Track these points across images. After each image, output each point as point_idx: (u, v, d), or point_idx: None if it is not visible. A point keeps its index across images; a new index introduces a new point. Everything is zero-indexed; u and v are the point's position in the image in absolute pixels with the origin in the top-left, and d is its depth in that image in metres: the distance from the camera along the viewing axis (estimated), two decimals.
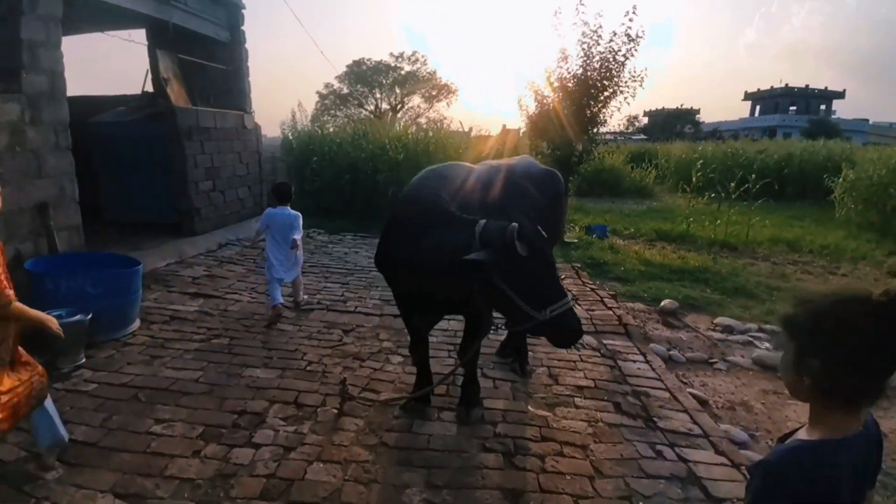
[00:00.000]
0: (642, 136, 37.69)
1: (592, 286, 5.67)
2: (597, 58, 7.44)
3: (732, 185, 9.45)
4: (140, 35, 7.36)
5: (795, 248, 8.30)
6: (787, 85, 45.16)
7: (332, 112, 33.06)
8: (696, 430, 2.83)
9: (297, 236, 4.29)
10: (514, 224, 2.16)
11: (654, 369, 3.56)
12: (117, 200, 6.75)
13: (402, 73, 32.93)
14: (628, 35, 7.37)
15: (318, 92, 33.96)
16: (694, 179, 11.41)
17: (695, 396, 3.29)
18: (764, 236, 8.89)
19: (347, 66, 33.07)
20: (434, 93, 32.03)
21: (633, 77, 7.66)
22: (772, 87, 45.74)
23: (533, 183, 3.03)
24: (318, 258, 6.40)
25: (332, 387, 3.09)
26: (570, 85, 7.56)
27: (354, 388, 3.05)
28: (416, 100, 33.51)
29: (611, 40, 7.40)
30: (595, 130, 7.91)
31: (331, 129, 13.46)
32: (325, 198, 10.50)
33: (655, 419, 2.93)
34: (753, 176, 10.31)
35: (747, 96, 48.48)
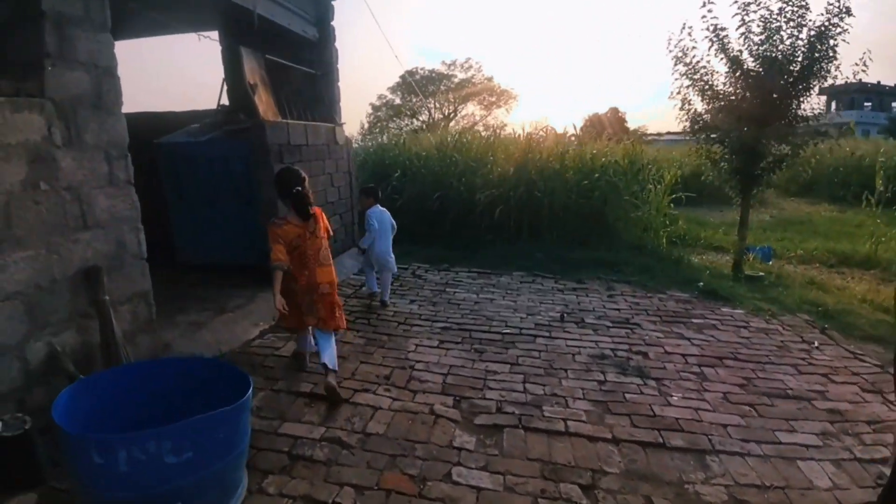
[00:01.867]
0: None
1: (877, 364, 3.70)
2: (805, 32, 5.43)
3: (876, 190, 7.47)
4: (212, 42, 5.93)
5: None
6: (860, 80, 40.77)
7: (385, 124, 31.92)
8: None
9: None
10: None
11: None
12: (191, 238, 5.28)
13: (456, 80, 31.40)
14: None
15: (371, 104, 32.92)
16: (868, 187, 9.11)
17: None
18: None
19: (400, 77, 31.88)
20: (493, 98, 30.26)
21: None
22: (846, 81, 41.39)
23: None
24: (445, 310, 4.68)
25: None
26: (760, 70, 5.54)
27: None
28: (470, 107, 31.90)
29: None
30: (801, 123, 5.81)
31: (402, 141, 11.92)
32: (407, 220, 8.89)
33: None
34: (879, 180, 8.30)
35: (822, 91, 44.09)
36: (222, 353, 3.64)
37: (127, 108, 2.90)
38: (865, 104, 41.90)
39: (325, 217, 3.40)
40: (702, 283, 5.60)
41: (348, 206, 6.36)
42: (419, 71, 31.05)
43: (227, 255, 5.21)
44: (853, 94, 41.86)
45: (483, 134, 10.57)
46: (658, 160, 9.49)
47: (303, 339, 3.51)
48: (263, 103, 4.69)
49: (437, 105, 31.52)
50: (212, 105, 5.83)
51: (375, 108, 32.72)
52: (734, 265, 6.24)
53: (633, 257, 6.76)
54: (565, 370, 3.48)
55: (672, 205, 8.13)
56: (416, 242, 8.03)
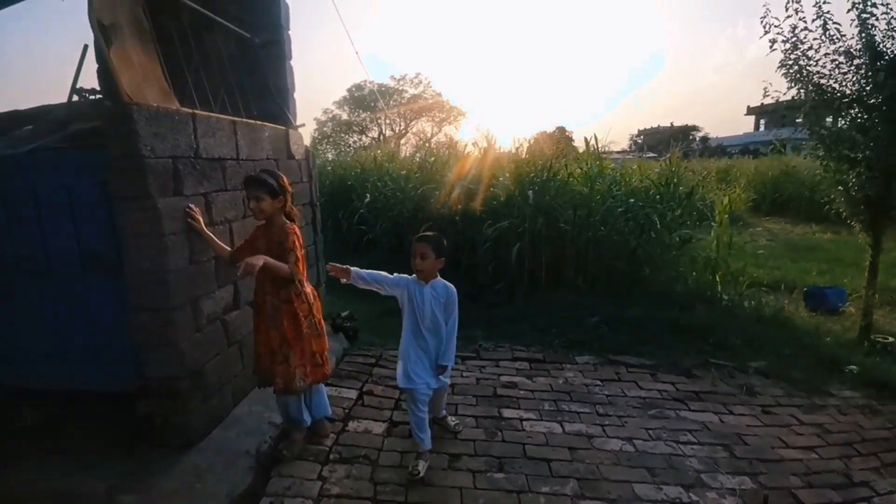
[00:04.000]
0: (651, 154, 34.43)
1: None
2: None
3: None
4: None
5: None
6: (794, 98, 42.62)
7: (332, 139, 29.07)
8: None
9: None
10: None
11: None
12: (8, 339, 2.62)
13: (407, 96, 29.24)
14: None
15: (315, 118, 30.01)
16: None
17: None
18: None
19: (347, 91, 29.27)
20: (443, 115, 28.30)
21: None
22: (777, 100, 43.17)
23: None
24: (526, 478, 2.35)
25: None
26: None
27: None
28: (420, 124, 29.73)
29: None
30: None
31: (371, 158, 9.53)
32: (381, 259, 6.48)
33: None
34: None
35: (750, 111, 46.04)
36: None
37: None
38: (798, 120, 43.52)
39: None
40: (854, 368, 3.67)
41: (314, 259, 3.88)
42: (367, 84, 28.61)
43: (70, 375, 2.60)
44: (783, 111, 43.61)
45: (468, 149, 8.38)
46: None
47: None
48: (138, 71, 2.19)
49: (388, 121, 29.17)
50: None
51: (321, 123, 29.85)
52: (863, 329, 4.38)
53: (712, 316, 4.76)
54: None
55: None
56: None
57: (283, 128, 3.45)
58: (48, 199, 2.43)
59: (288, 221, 2.39)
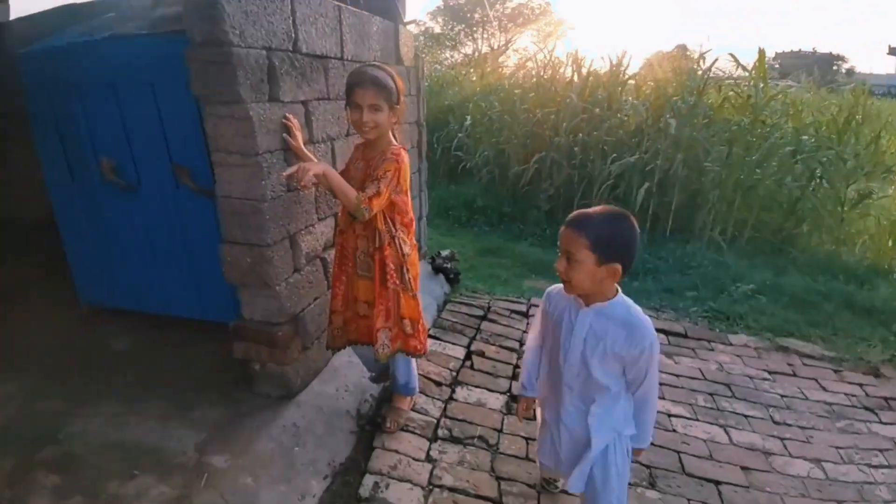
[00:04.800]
0: (789, 83, 28.94)
1: None
2: None
3: None
4: None
5: None
6: None
7: (426, 54, 27.58)
8: None
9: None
10: None
11: None
12: (97, 259, 2.43)
13: (511, 5, 26.47)
14: None
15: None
16: None
17: None
18: None
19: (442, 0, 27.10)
20: (549, 29, 25.42)
21: None
22: None
23: None
24: None
25: None
26: None
27: None
28: (523, 39, 27.01)
29: None
30: None
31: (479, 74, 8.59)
32: (479, 195, 5.77)
33: None
34: None
35: (892, 51, 37.20)
36: None
37: None
38: None
39: None
40: None
41: (415, 192, 3.35)
42: None
43: (167, 301, 2.37)
44: None
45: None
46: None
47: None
48: None
49: (486, 35, 26.86)
50: None
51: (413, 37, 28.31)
52: None
53: None
54: None
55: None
56: (494, 232, 5.09)
57: (392, 23, 2.77)
58: (132, 98, 2.03)
59: (394, 142, 1.78)
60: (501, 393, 2.27)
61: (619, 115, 5.22)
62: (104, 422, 1.86)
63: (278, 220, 1.84)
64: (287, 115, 1.81)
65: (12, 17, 3.24)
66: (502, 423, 2.10)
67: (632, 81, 5.61)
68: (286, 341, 1.95)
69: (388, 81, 1.64)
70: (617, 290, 1.32)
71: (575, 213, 1.29)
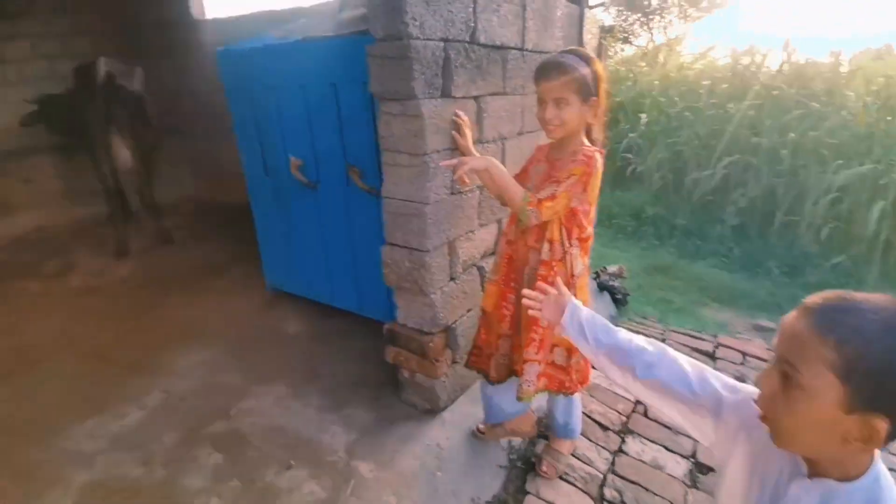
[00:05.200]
0: None
1: None
2: None
3: None
4: None
5: None
6: None
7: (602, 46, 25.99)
8: None
9: None
10: None
11: None
12: (281, 249, 2.65)
13: None
14: None
15: None
16: None
17: None
18: None
19: None
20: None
21: None
22: None
23: None
24: None
25: None
26: None
27: None
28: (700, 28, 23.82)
29: None
30: None
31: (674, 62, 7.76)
32: (655, 206, 4.98)
33: None
34: None
35: None
36: None
37: None
38: None
39: None
40: None
41: None
42: None
43: (334, 293, 2.47)
44: None
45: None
46: None
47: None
48: None
49: (663, 24, 24.34)
50: None
51: None
52: None
53: None
54: None
55: None
56: (664, 246, 4.38)
57: (577, 6, 2.46)
58: (317, 99, 2.12)
59: (588, 144, 1.48)
60: (683, 456, 1.83)
61: (842, 112, 4.08)
62: (273, 402, 1.97)
63: (439, 225, 1.71)
64: (457, 111, 1.67)
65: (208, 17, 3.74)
66: (685, 500, 1.67)
67: (859, 72, 4.33)
68: (436, 353, 1.82)
69: (578, 68, 1.36)
70: (871, 462, 0.67)
71: (822, 297, 0.65)
